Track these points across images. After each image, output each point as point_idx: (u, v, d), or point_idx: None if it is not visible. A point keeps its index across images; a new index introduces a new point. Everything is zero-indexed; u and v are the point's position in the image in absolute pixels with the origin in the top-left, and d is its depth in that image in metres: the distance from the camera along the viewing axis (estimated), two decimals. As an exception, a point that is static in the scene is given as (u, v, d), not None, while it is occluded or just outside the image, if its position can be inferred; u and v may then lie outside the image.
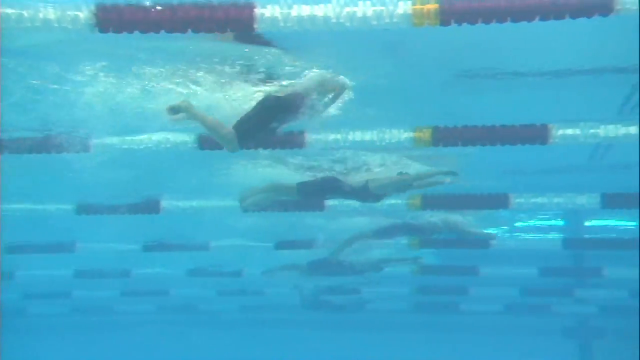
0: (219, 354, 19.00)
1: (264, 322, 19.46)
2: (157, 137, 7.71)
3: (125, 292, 16.87)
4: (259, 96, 6.61)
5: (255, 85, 6.67)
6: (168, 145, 7.73)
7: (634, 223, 12.65)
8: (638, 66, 6.27)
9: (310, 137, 7.48)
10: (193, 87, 6.77)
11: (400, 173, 8.07)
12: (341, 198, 8.50)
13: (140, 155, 7.95)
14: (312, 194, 8.16)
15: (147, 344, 19.22)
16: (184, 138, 7.62)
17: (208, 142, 7.47)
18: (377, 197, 8.14)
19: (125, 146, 7.78)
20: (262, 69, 6.46)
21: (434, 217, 10.50)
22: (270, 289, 16.63)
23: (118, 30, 5.32)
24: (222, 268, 14.51)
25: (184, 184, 9.81)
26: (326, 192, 8.21)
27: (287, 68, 6.39)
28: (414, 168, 8.50)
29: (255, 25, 5.21)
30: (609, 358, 17.74)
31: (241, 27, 5.29)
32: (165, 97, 6.86)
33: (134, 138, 7.77)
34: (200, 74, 6.58)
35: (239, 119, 6.33)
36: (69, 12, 5.24)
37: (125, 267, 14.29)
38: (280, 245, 12.29)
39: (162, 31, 5.31)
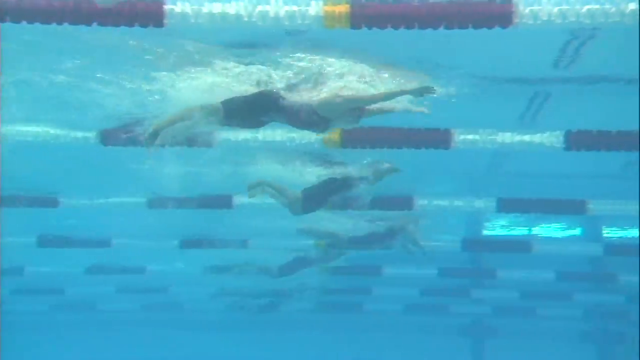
0: (119, 355, 18.46)
1: (167, 322, 19.08)
2: (55, 130, 7.42)
3: (16, 291, 16.05)
4: (197, 85, 6.45)
5: (197, 74, 6.51)
6: (68, 140, 7.46)
7: (527, 229, 13.35)
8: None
9: (219, 136, 7.42)
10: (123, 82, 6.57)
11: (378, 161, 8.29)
12: (346, 193, 8.49)
13: (38, 147, 7.64)
14: (317, 197, 8.06)
15: (40, 345, 18.38)
16: (86, 134, 7.37)
17: (111, 138, 7.25)
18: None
19: (20, 138, 7.43)
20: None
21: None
22: (175, 288, 16.34)
23: (17, 19, 5.07)
24: (124, 265, 14.12)
25: (85, 179, 9.49)
26: (330, 193, 8.15)
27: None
28: None
29: (165, 21, 5.11)
30: (499, 355, 18.62)
31: (150, 23, 5.17)
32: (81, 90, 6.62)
33: (30, 129, 7.44)
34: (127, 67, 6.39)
35: (230, 97, 6.02)
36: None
37: (18, 264, 13.62)
38: (186, 244, 12.10)
39: (65, 24, 5.11)
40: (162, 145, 5.86)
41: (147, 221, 11.13)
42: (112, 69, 6.49)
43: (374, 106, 5.99)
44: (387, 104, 6.10)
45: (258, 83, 6.39)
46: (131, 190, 9.78)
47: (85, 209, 9.93)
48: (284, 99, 5.90)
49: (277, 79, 6.33)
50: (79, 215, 10.61)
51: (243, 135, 7.45)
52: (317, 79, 6.19)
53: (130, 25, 5.19)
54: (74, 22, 5.12)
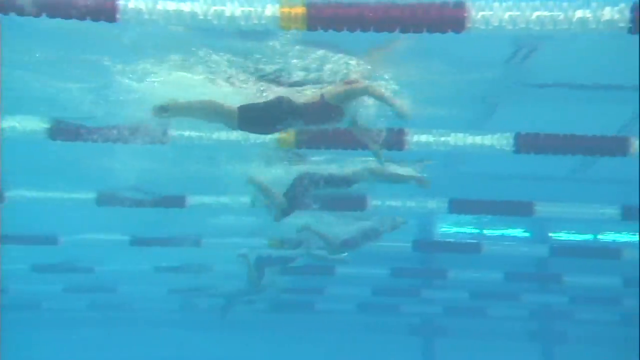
0: (65, 355, 18.07)
1: (116, 321, 18.78)
2: (1, 123, 7.23)
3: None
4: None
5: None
6: (14, 133, 7.26)
7: (476, 230, 13.62)
8: None
9: (173, 133, 7.34)
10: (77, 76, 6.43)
11: (378, 167, 8.16)
12: (323, 190, 8.40)
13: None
14: (298, 194, 7.97)
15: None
16: (34, 127, 7.20)
17: (60, 132, 7.09)
18: (350, 183, 8.25)
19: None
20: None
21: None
22: (124, 287, 16.08)
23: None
24: (73, 264, 13.83)
25: (33, 174, 9.25)
26: (309, 189, 8.07)
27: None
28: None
29: (118, 16, 5.03)
30: (449, 354, 18.94)
31: (102, 18, 5.08)
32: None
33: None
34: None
35: (247, 103, 5.93)
36: None
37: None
38: (137, 241, 11.92)
39: (12, 14, 4.97)
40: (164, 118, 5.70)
41: (96, 218, 10.93)
42: (67, 63, 6.36)
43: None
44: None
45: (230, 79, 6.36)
46: (81, 186, 9.58)
47: (32, 204, 9.67)
48: (299, 102, 5.91)
49: (251, 74, 6.31)
50: (25, 211, 10.33)
51: (197, 132, 7.39)
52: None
53: (82, 18, 5.09)
54: (22, 13, 5.00)
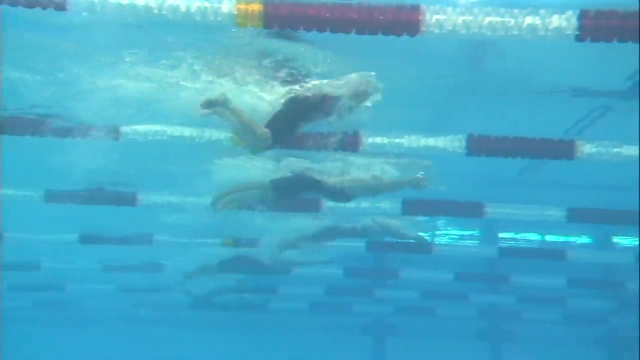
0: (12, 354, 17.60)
1: (64, 319, 18.38)
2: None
3: None
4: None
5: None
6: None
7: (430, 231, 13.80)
8: None
9: (126, 129, 7.23)
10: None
11: (374, 177, 8.10)
12: (315, 195, 8.41)
13: None
14: (286, 191, 7.89)
15: None
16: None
17: (7, 127, 6.93)
18: (349, 197, 8.15)
19: None
20: None
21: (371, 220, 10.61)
22: (72, 285, 15.75)
23: None
24: (18, 261, 13.47)
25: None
26: (300, 190, 8.02)
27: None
28: (388, 173, 8.49)
29: (68, 8, 4.96)
30: (399, 353, 19.16)
31: (52, 7, 4.99)
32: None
33: None
34: None
35: (270, 118, 6.12)
36: None
37: None
38: (86, 239, 11.68)
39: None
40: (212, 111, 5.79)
41: (44, 215, 10.67)
42: (23, 54, 6.21)
43: None
44: None
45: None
46: (28, 181, 9.35)
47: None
48: (313, 96, 6.03)
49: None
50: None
51: (150, 127, 7.29)
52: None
53: (30, 6, 4.99)
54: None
